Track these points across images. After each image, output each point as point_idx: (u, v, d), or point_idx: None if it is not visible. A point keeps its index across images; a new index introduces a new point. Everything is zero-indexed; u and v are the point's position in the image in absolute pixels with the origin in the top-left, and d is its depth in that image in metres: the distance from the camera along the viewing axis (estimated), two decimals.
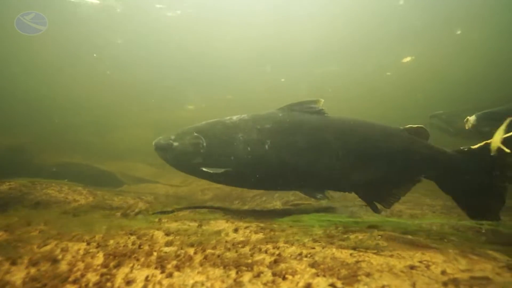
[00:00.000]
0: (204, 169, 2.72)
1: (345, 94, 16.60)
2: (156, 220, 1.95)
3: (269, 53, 15.32)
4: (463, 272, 1.41)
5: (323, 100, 2.95)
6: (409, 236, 1.88)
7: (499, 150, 2.49)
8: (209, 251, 1.39)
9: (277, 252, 1.40)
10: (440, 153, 2.70)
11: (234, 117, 2.99)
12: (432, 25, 13.01)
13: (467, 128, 4.02)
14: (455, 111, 5.41)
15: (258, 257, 1.31)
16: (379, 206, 2.87)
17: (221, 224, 1.98)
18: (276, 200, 4.09)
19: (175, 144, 2.96)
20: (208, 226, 1.95)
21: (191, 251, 1.40)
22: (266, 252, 1.40)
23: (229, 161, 2.79)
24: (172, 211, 2.81)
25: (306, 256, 1.36)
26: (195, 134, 2.90)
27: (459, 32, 13.73)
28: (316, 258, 1.34)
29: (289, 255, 1.36)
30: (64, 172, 6.96)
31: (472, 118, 3.95)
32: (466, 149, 2.70)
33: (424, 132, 2.75)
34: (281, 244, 1.56)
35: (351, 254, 1.43)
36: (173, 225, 1.84)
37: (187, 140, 2.91)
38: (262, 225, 2.12)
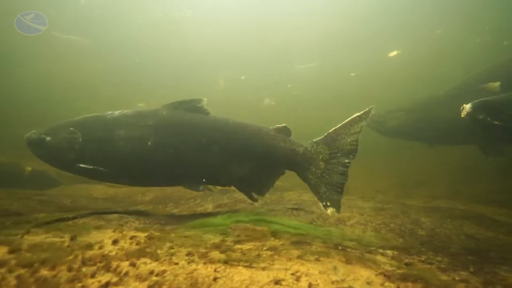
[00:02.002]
0: (80, 165, 2.58)
1: (315, 92, 16.73)
2: (22, 232, 1.69)
3: (234, 51, 15.09)
4: (332, 284, 1.34)
5: (206, 99, 3.08)
6: (304, 245, 1.81)
7: None
8: (44, 272, 1.19)
9: (127, 270, 1.23)
10: (297, 147, 3.04)
11: (116, 113, 2.95)
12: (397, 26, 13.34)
13: (462, 116, 3.71)
14: (384, 112, 5.58)
15: (94, 279, 1.13)
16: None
17: (104, 235, 1.77)
18: (209, 203, 3.93)
19: (48, 139, 2.83)
20: (86, 237, 1.72)
21: (22, 271, 1.18)
22: (114, 270, 1.23)
23: (107, 158, 2.75)
24: (74, 218, 2.52)
25: (157, 275, 1.20)
26: (71, 129, 2.73)
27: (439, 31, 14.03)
28: (167, 277, 1.19)
29: (137, 274, 1.19)
30: None
31: (467, 106, 3.65)
32: (316, 140, 3.04)
33: (287, 130, 3.10)
34: (147, 260, 1.39)
35: (215, 270, 1.30)
36: (38, 238, 1.60)
37: (61, 135, 2.77)
38: (157, 233, 1.94)
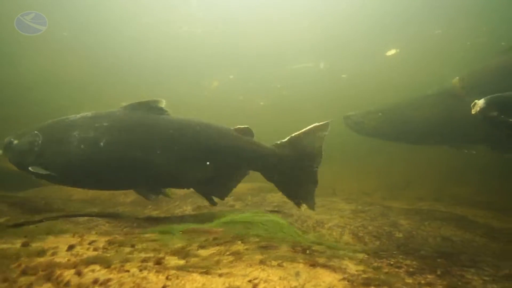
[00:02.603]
0: (30, 168, 2.53)
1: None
2: None
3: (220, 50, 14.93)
4: None
5: (165, 101, 3.03)
6: (271, 249, 1.77)
7: None
8: None
9: (68, 279, 1.16)
10: (261, 148, 3.02)
11: (78, 115, 2.92)
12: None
13: (473, 112, 3.43)
14: (363, 113, 5.60)
15: None
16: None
17: (61, 240, 1.70)
18: (188, 205, 3.87)
19: (15, 142, 2.84)
20: (41, 243, 1.65)
21: None
22: (55, 280, 1.16)
23: (62, 160, 2.71)
24: (40, 221, 2.43)
25: (100, 284, 1.14)
26: (35, 132, 2.68)
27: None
28: (111, 287, 1.13)
29: (78, 284, 1.13)
30: None
31: (480, 102, 3.40)
32: (280, 143, 3.03)
33: (249, 131, 3.06)
34: (96, 267, 1.32)
35: (167, 277, 1.25)
36: None
37: (25, 138, 2.71)
38: (120, 238, 1.87)
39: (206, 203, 4.02)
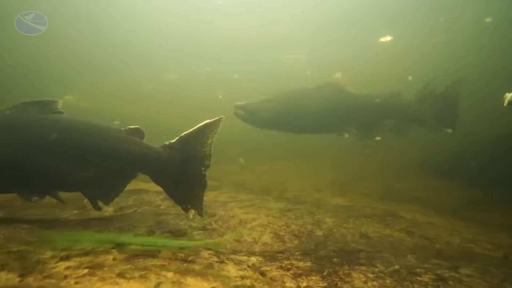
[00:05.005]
0: None
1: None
2: None
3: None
4: None
5: (61, 101, 2.90)
6: (144, 259, 1.64)
7: None
8: None
9: None
10: (149, 150, 2.93)
11: None
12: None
13: (505, 105, 3.43)
14: (257, 102, 5.29)
15: None
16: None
17: None
18: (110, 205, 3.62)
19: None
20: None
21: None
22: None
23: None
24: None
25: None
26: None
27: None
28: None
29: None
30: None
31: (510, 95, 3.35)
32: (168, 143, 2.94)
33: (140, 131, 2.96)
34: None
35: None
36: None
37: None
38: None
39: (131, 203, 3.81)
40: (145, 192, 4.24)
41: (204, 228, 2.87)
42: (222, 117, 2.84)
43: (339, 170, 10.78)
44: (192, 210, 2.81)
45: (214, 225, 2.97)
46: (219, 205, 3.66)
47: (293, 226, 3.28)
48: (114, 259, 1.57)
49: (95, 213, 3.54)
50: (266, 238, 2.96)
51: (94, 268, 1.45)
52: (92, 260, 1.55)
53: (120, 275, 1.41)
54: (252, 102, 5.34)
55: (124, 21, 13.20)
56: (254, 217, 3.45)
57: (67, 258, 1.59)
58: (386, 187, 8.62)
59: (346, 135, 5.67)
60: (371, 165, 10.61)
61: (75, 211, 3.74)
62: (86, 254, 1.63)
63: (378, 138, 5.99)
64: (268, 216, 3.50)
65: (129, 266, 1.51)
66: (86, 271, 1.40)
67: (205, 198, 4.13)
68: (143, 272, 1.46)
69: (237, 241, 2.77)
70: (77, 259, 1.57)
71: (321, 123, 5.51)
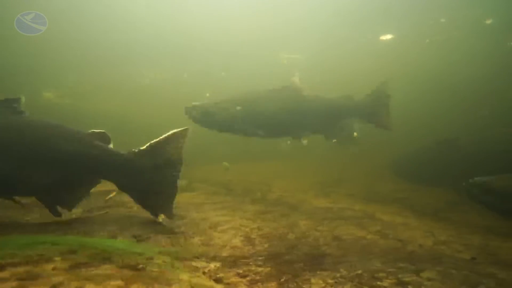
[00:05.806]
0: None
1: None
2: None
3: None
4: None
5: (23, 99, 2.82)
6: (86, 267, 1.56)
7: None
8: None
9: None
10: (116, 156, 2.88)
11: None
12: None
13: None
14: (212, 104, 5.08)
15: None
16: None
17: None
18: (79, 207, 3.50)
19: None
20: None
21: None
22: None
23: None
24: None
25: None
26: None
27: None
28: None
29: None
30: None
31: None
32: (137, 150, 2.91)
33: (106, 136, 2.92)
34: None
35: None
36: None
37: None
38: None
39: (101, 204, 3.70)
40: (122, 193, 4.13)
41: (171, 232, 2.79)
42: (189, 127, 2.87)
43: (324, 171, 10.81)
44: (162, 216, 2.76)
45: (183, 229, 2.89)
46: (192, 208, 3.59)
47: (265, 229, 3.23)
48: (54, 268, 1.48)
49: (64, 216, 3.42)
50: (236, 241, 2.90)
51: (26, 279, 1.36)
52: (29, 270, 1.46)
53: (60, 284, 1.33)
54: (206, 103, 5.13)
55: (110, 18, 12.94)
56: (228, 219, 3.38)
57: (1, 268, 1.49)
58: (369, 188, 8.66)
59: (304, 141, 5.63)
60: (350, 166, 10.66)
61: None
62: (26, 263, 1.54)
63: (334, 140, 6.08)
64: (242, 218, 3.44)
65: (67, 276, 1.42)
66: (14, 284, 1.32)
67: (180, 200, 4.03)
68: (81, 284, 1.38)
69: (206, 245, 2.71)
70: (12, 269, 1.47)
71: (275, 126, 5.41)
